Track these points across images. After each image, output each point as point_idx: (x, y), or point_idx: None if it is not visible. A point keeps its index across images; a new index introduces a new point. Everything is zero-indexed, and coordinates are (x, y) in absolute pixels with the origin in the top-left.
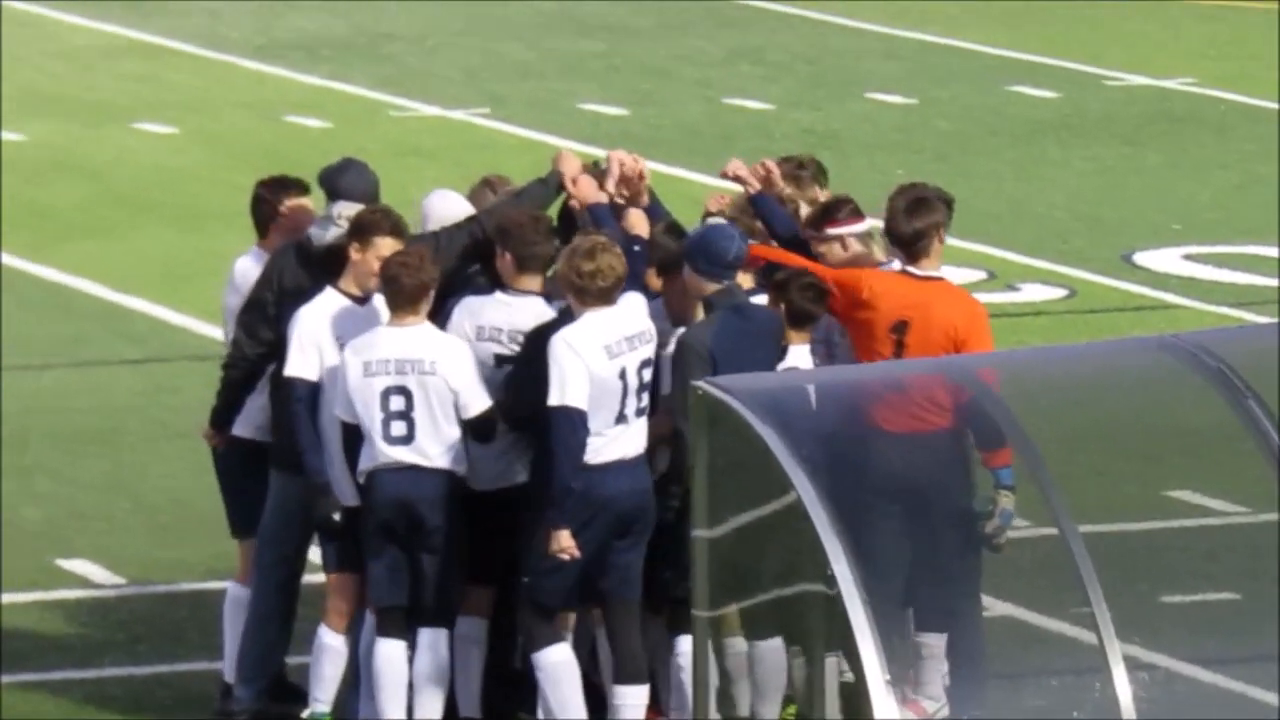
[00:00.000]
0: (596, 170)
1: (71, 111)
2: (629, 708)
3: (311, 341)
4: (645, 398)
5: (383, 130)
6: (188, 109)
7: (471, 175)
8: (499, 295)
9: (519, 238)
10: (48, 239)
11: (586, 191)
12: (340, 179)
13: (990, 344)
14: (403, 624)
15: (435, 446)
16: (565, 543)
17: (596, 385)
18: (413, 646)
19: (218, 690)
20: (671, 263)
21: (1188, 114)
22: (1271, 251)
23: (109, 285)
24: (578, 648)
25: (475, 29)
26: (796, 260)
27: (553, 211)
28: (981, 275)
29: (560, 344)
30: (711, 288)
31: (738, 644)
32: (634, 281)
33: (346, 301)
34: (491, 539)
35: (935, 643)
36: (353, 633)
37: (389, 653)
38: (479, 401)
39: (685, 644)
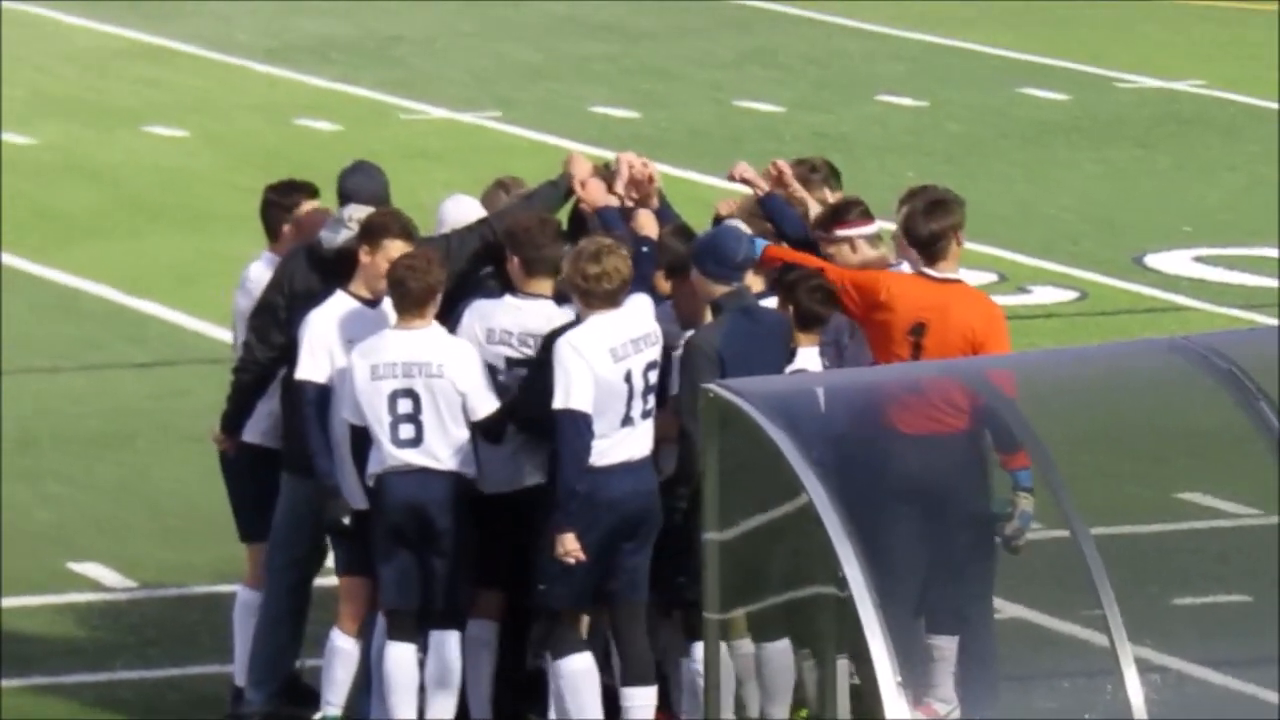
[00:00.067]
0: (607, 172)
1: (81, 114)
2: (637, 709)
3: (322, 345)
4: (651, 400)
5: (392, 133)
6: (197, 111)
7: (481, 178)
8: (509, 299)
9: (526, 241)
10: (57, 242)
11: (596, 195)
12: (350, 181)
13: (1008, 346)
14: (413, 627)
15: (444, 449)
16: (570, 545)
17: (602, 388)
18: (424, 649)
19: (229, 693)
20: (680, 265)
21: (1197, 116)
22: None
23: (119, 288)
24: (592, 651)
25: (485, 31)
26: (813, 261)
27: (564, 214)
28: (992, 278)
29: (565, 347)
30: (720, 290)
31: (745, 645)
32: (641, 283)
33: (357, 304)
34: (501, 542)
35: (947, 645)
36: (365, 636)
37: (399, 655)
38: (486, 404)
39: (701, 649)
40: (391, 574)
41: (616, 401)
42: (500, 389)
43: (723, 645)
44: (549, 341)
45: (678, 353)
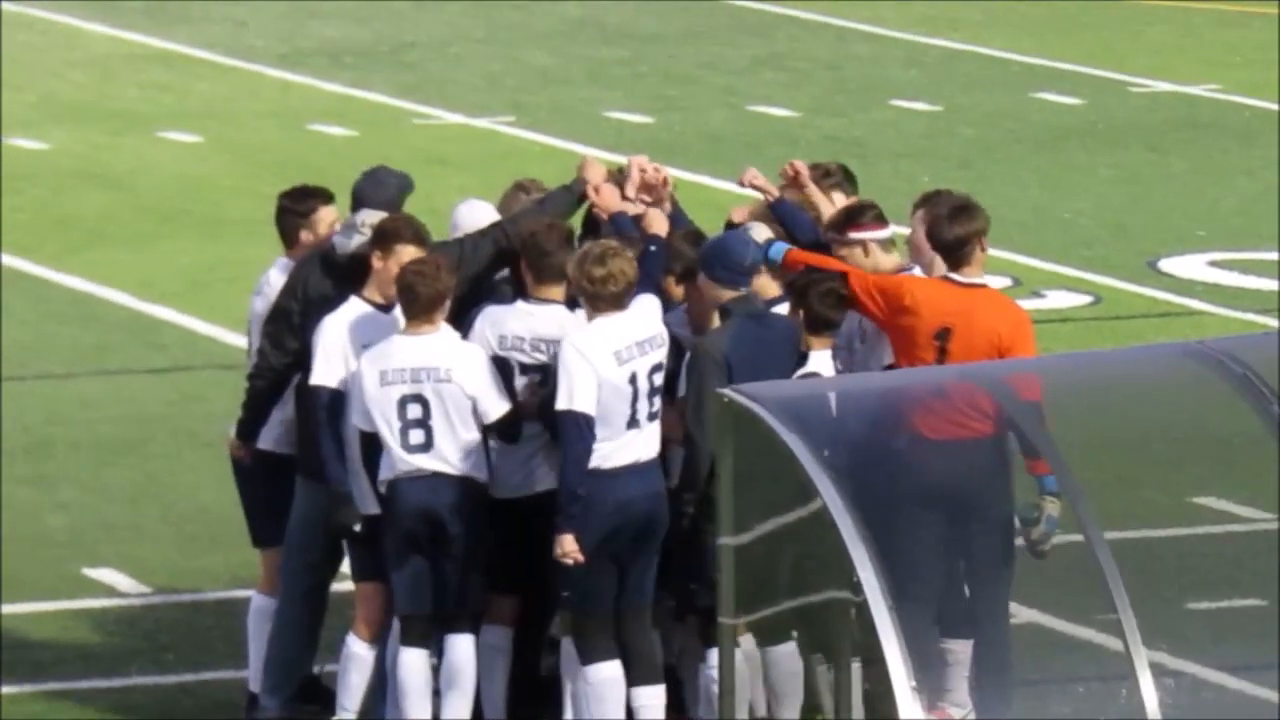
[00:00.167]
0: (620, 176)
1: (94, 119)
2: (647, 709)
3: (336, 350)
4: (657, 402)
5: (406, 138)
6: (211, 117)
7: (495, 183)
8: (520, 304)
9: (533, 247)
10: (70, 247)
11: (609, 200)
12: (364, 187)
13: (1033, 351)
14: (427, 632)
15: (455, 453)
16: (569, 547)
17: (607, 390)
18: (438, 654)
19: (244, 699)
20: (693, 271)
21: (1212, 120)
22: None
23: (132, 293)
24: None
25: (498, 36)
26: (836, 265)
27: (577, 219)
28: (1006, 282)
29: (569, 349)
30: (728, 295)
31: (747, 643)
32: (649, 283)
33: (370, 309)
34: (514, 547)
35: (961, 649)
36: (380, 641)
37: (412, 661)
38: (497, 406)
39: (716, 655)
40: (404, 579)
41: (621, 404)
42: (513, 394)
43: (738, 651)
44: None
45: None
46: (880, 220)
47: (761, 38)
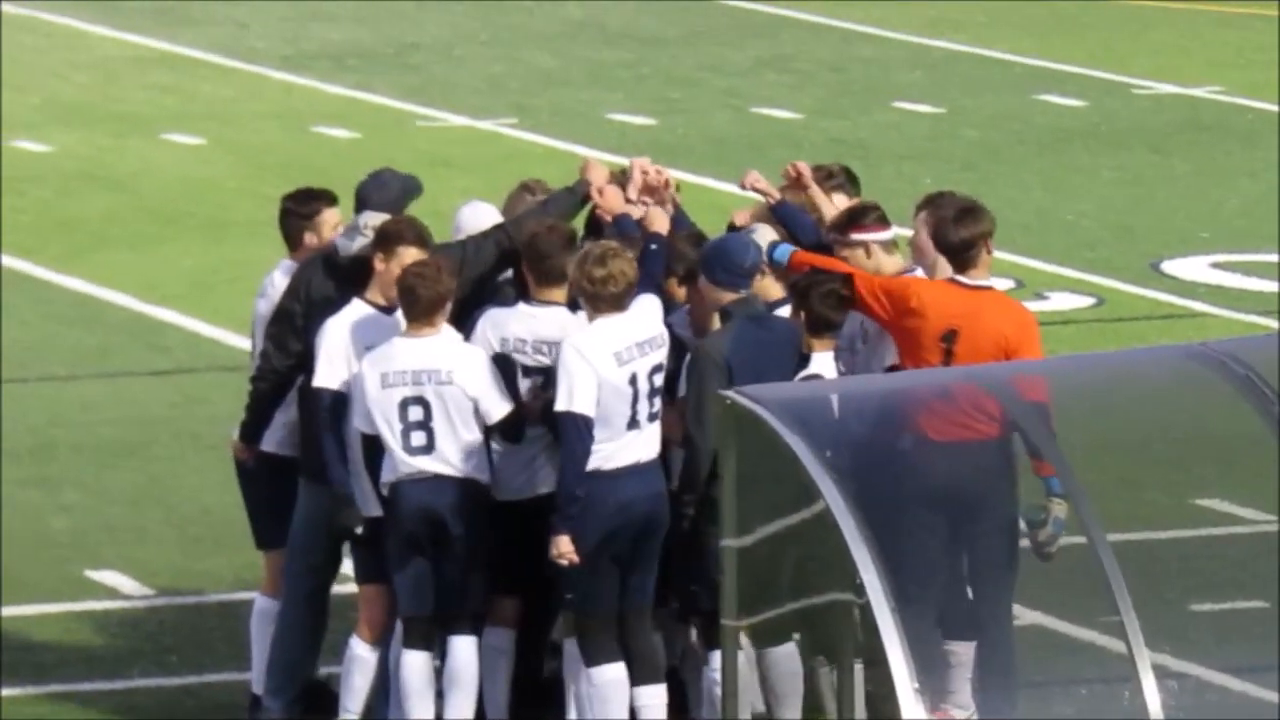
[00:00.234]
0: (623, 178)
1: (98, 122)
2: (649, 708)
3: (338, 352)
4: (658, 403)
5: (410, 140)
6: (215, 119)
7: (499, 185)
8: (522, 306)
9: (534, 249)
10: (75, 250)
11: (613, 202)
12: (367, 189)
13: (1040, 353)
14: (429, 634)
15: (456, 454)
16: (564, 548)
17: (607, 391)
18: (440, 656)
19: (247, 701)
20: (695, 273)
21: (1215, 122)
22: None
23: (135, 296)
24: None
25: (501, 38)
26: (842, 267)
27: (579, 221)
28: (1009, 284)
29: (569, 350)
30: (728, 297)
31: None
32: (649, 282)
33: (373, 312)
34: (516, 549)
35: (963, 650)
36: (384, 642)
37: (414, 663)
38: (499, 407)
39: (719, 658)
40: (407, 581)
41: (622, 404)
42: (516, 394)
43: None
44: None
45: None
46: (883, 222)
47: (764, 39)
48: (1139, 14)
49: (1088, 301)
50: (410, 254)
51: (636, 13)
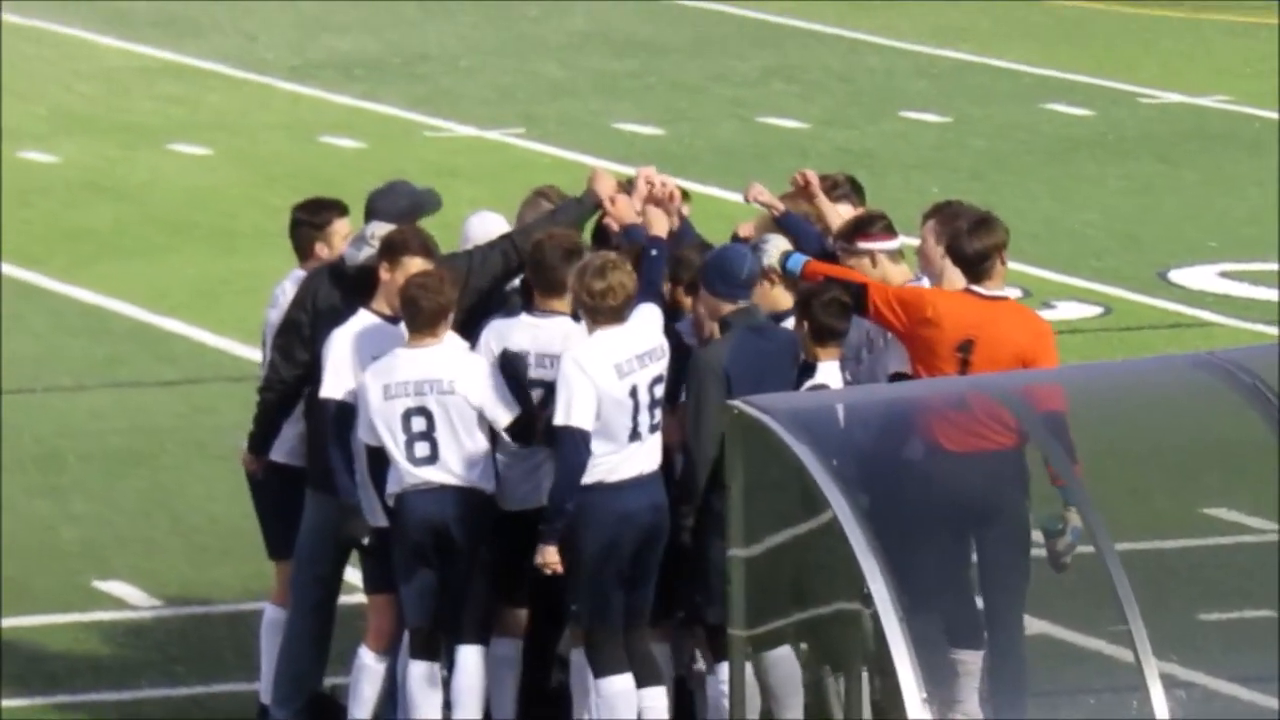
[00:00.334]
0: (629, 187)
1: (106, 133)
2: (650, 710)
3: (345, 363)
4: (658, 413)
5: (417, 150)
6: (222, 130)
7: (507, 195)
8: (525, 317)
9: (534, 260)
10: (81, 259)
11: (624, 212)
12: (376, 199)
13: (1055, 362)
14: (436, 644)
15: (461, 464)
16: (550, 558)
17: (608, 404)
18: (448, 666)
19: (255, 711)
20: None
21: (1223, 131)
22: None
23: (143, 306)
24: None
25: (509, 48)
26: (856, 276)
27: (586, 231)
28: (1017, 293)
29: (570, 363)
30: (728, 308)
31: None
32: (650, 290)
33: (379, 321)
34: (523, 559)
35: (971, 659)
36: (392, 652)
37: (421, 673)
38: (506, 413)
39: (725, 668)
40: (413, 592)
41: (623, 417)
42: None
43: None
44: None
45: None
46: (889, 231)
47: (771, 49)
48: (1146, 23)
49: (1095, 311)
50: (415, 264)
51: (643, 23)
